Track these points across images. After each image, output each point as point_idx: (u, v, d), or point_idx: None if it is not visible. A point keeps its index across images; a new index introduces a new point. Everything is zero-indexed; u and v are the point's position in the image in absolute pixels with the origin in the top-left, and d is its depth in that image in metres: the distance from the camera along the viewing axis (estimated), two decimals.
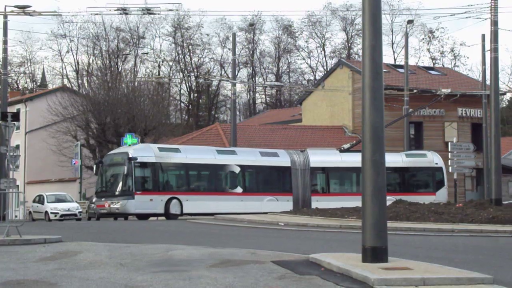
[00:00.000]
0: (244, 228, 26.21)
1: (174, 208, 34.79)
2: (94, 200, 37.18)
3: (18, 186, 37.84)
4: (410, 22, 52.74)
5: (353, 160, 39.96)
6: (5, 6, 35.33)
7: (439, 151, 47.28)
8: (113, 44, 77.15)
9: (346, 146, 42.07)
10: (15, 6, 34.22)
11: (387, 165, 44.71)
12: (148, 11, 29.11)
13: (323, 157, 40.03)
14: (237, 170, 37.58)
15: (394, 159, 40.30)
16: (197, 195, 36.04)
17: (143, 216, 34.99)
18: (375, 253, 12.43)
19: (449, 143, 41.84)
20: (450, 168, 40.17)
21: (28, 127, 60.50)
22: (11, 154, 26.63)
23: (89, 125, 53.89)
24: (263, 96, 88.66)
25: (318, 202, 37.87)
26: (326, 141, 48.76)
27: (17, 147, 43.59)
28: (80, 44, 78.55)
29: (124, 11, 28.94)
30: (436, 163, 41.48)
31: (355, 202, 37.32)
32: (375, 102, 12.77)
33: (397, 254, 13.75)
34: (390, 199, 38.32)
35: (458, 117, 50.42)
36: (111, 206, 34.10)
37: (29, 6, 33.98)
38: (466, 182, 49.92)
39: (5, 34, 36.17)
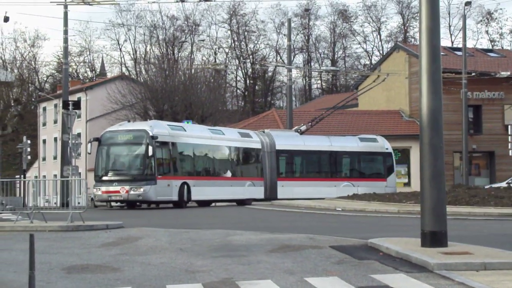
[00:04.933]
0: (301, 214, 26.21)
1: (186, 194, 31.40)
2: (94, 184, 31.86)
3: (80, 173, 38.40)
4: (467, 4, 51.66)
5: (315, 144, 38.69)
6: None
7: (499, 135, 46.49)
8: (169, 33, 77.76)
9: (303, 128, 40.51)
10: None
11: (342, 149, 43.96)
12: None
13: (286, 140, 37.91)
14: (226, 152, 34.90)
15: (350, 144, 39.39)
16: (202, 180, 32.76)
17: (132, 203, 31.23)
18: (435, 238, 12.31)
19: (509, 126, 41.02)
20: (510, 151, 39.38)
21: (89, 115, 61.45)
22: (73, 142, 27.15)
23: (147, 113, 54.43)
24: (319, 81, 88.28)
25: (283, 188, 36.41)
26: (383, 125, 48.32)
27: (79, 135, 44.19)
28: (138, 33, 79.41)
29: None
30: (387, 148, 40.02)
31: (319, 187, 37.01)
32: (433, 86, 12.59)
33: (457, 238, 13.58)
34: (347, 185, 38.02)
35: None
36: (131, 192, 29.70)
37: None
38: None
39: (65, 24, 36.71)
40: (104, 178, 30.73)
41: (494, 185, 37.80)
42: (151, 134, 29.99)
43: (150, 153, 29.75)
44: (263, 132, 38.11)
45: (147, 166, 30.12)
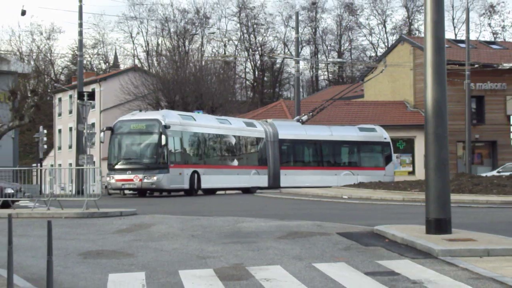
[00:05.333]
0: (310, 202, 26.20)
1: (196, 182, 31.13)
2: (108, 173, 31.18)
3: (94, 162, 38.47)
4: None
5: (316, 133, 38.49)
6: None
7: (501, 125, 46.31)
8: (180, 26, 77.68)
9: (304, 118, 40.33)
10: None
11: (342, 138, 43.58)
12: None
13: (288, 130, 37.61)
14: (233, 141, 34.65)
15: (349, 133, 39.21)
16: (211, 169, 32.32)
17: (143, 191, 30.97)
18: (439, 225, 12.29)
19: (511, 116, 40.89)
20: (511, 141, 39.24)
21: (103, 105, 61.50)
22: (88, 131, 27.23)
23: (159, 103, 54.39)
24: (326, 73, 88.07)
25: (286, 176, 36.21)
26: (388, 116, 48.21)
27: (93, 125, 44.28)
28: (150, 26, 79.50)
29: None
30: (385, 138, 39.74)
31: (321, 176, 36.90)
32: (438, 77, 12.54)
33: (461, 226, 13.56)
34: (347, 174, 37.89)
35: None
36: (145, 180, 29.41)
37: None
38: None
39: (80, 17, 36.71)
40: (118, 166, 30.35)
41: (488, 173, 38.00)
42: (163, 123, 29.68)
43: (163, 142, 29.38)
44: (266, 121, 37.93)
45: (160, 154, 29.72)
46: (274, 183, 35.91)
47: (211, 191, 33.49)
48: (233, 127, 34.93)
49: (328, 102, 43.62)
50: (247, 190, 34.28)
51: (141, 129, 30.50)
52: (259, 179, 35.28)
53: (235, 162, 34.53)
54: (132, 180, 29.69)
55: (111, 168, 30.62)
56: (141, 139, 30.55)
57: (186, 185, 30.76)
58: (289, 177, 36.25)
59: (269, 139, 36.26)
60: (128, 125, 30.76)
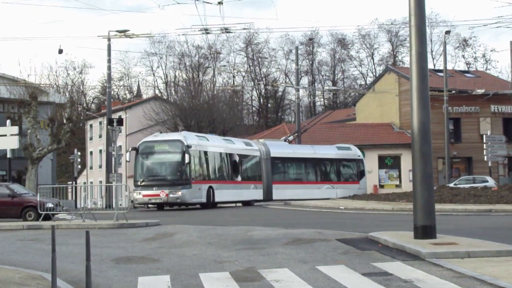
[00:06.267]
0: (311, 212, 26.11)
1: (211, 197, 30.51)
2: (134, 189, 30.00)
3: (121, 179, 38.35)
4: (447, 32, 51.56)
5: (302, 151, 38.02)
6: (109, 31, 36.12)
7: (475, 143, 46.23)
8: (195, 60, 77.91)
9: (290, 138, 40.13)
10: (117, 31, 34.81)
11: (323, 156, 42.75)
12: (226, 30, 28.93)
13: (279, 148, 36.88)
14: (237, 159, 33.46)
15: (329, 151, 38.86)
16: (223, 184, 31.69)
17: (160, 205, 29.97)
18: (425, 231, 12.26)
19: (484, 136, 40.85)
20: (485, 157, 39.10)
21: (128, 130, 61.57)
22: (117, 153, 27.28)
23: (177, 128, 54.39)
24: (322, 99, 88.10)
25: (277, 190, 35.40)
26: (377, 136, 48.15)
27: (120, 147, 44.27)
28: (168, 61, 79.61)
29: (206, 31, 28.88)
30: (359, 155, 39.34)
31: (306, 189, 36.19)
32: (422, 101, 12.59)
33: (444, 231, 13.51)
34: (328, 187, 37.45)
35: (491, 113, 49.06)
36: (170, 195, 28.65)
37: (128, 30, 34.49)
38: (499, 169, 48.53)
39: (108, 54, 36.86)
40: (144, 183, 29.31)
41: (451, 184, 38.13)
42: (186, 143, 29.12)
43: (186, 160, 28.75)
44: (258, 141, 37.38)
45: (183, 172, 29.01)
46: (268, 196, 35.23)
47: (215, 204, 32.31)
48: (236, 147, 34.31)
49: (310, 124, 44.34)
50: (247, 203, 33.69)
51: (165, 149, 29.70)
52: (257, 193, 34.60)
53: (239, 178, 33.70)
54: (158, 195, 28.85)
55: (138, 185, 29.68)
56: (165, 158, 29.68)
57: (204, 199, 30.17)
58: (280, 191, 35.52)
59: (263, 157, 35.49)
60: (152, 145, 29.93)
